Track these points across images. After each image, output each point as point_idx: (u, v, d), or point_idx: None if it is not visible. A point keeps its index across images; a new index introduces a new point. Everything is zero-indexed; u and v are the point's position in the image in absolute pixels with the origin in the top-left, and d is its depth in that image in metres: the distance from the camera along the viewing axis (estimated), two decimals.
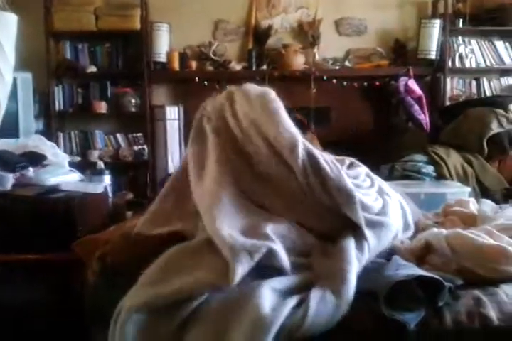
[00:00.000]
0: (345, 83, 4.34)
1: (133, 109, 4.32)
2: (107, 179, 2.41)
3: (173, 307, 1.10)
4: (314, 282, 1.18)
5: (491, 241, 1.40)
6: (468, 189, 3.01)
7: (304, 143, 1.36)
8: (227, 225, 1.23)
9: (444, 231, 1.48)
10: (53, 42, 4.30)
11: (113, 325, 1.13)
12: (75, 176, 2.29)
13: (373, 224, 1.38)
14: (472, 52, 4.42)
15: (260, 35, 4.38)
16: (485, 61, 4.42)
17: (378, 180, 1.64)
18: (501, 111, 3.61)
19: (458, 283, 1.29)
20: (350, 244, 1.30)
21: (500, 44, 4.44)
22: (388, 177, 3.33)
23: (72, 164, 3.87)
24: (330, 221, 1.38)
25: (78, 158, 4.28)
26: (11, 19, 1.90)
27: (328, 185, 1.33)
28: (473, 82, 4.49)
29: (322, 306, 1.11)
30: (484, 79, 4.48)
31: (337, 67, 4.35)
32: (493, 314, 1.18)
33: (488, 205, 1.84)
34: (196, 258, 1.21)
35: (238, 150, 1.39)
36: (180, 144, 4.31)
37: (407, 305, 1.18)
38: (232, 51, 4.47)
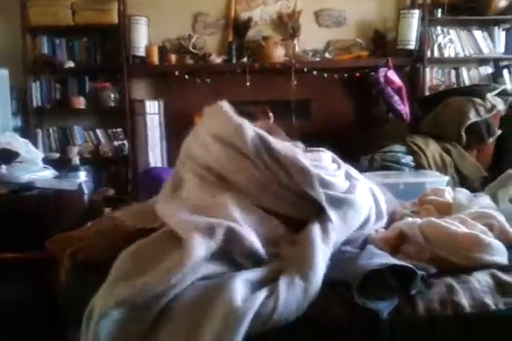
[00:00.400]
0: (325, 75, 4.33)
1: (112, 104, 4.27)
2: (82, 175, 2.39)
3: (146, 304, 1.09)
4: (283, 270, 1.19)
5: (464, 230, 1.42)
6: (447, 178, 3.04)
7: (253, 129, 1.42)
8: (182, 211, 1.28)
9: (418, 220, 1.49)
10: (30, 37, 4.23)
11: (85, 321, 1.12)
12: (49, 173, 2.26)
13: (338, 202, 1.39)
14: (451, 41, 4.44)
15: (240, 28, 4.35)
16: (464, 51, 4.44)
17: (346, 166, 1.65)
18: (479, 101, 3.63)
19: (431, 271, 1.30)
20: (315, 228, 1.32)
21: (478, 33, 4.46)
22: (368, 168, 3.36)
23: (51, 161, 3.87)
24: (295, 205, 1.40)
25: (57, 155, 4.24)
26: None
27: (282, 163, 1.38)
28: (453, 72, 4.51)
29: (291, 292, 1.12)
30: (463, 68, 4.50)
31: (317, 59, 4.34)
32: (465, 301, 1.20)
33: (463, 194, 1.86)
34: (158, 249, 1.22)
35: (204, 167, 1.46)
36: (161, 139, 4.29)
37: (380, 293, 1.19)
38: (212, 44, 4.43)
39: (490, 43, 4.46)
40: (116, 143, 4.33)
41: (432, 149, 3.50)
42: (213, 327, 1.05)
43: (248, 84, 4.21)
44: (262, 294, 1.10)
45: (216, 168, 1.43)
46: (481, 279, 1.27)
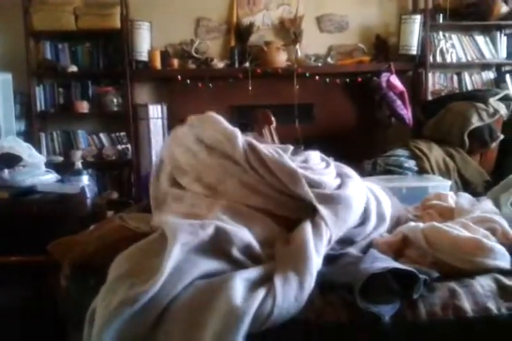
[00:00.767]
0: (327, 79, 4.35)
1: (115, 109, 4.29)
2: (85, 179, 2.39)
3: (145, 306, 1.09)
4: (277, 268, 1.20)
5: (467, 234, 1.41)
6: (450, 182, 3.03)
7: (243, 137, 1.48)
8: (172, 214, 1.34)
9: (420, 224, 1.49)
10: (33, 42, 4.26)
11: (87, 326, 1.12)
12: (52, 177, 2.27)
13: (328, 199, 1.41)
14: (453, 47, 4.44)
15: (242, 33, 4.37)
16: (466, 56, 4.45)
17: (337, 165, 1.67)
18: (482, 105, 3.63)
19: (434, 275, 1.29)
20: (307, 226, 1.34)
21: (480, 38, 4.47)
22: (371, 172, 3.36)
23: (54, 164, 3.88)
24: (287, 205, 1.43)
25: (61, 159, 4.26)
26: None
27: (271, 168, 1.43)
28: (455, 77, 4.52)
29: (287, 286, 1.13)
30: (465, 73, 4.50)
31: (319, 64, 4.35)
32: (467, 305, 1.19)
33: (465, 198, 1.86)
34: (153, 250, 1.23)
35: (189, 175, 1.51)
36: None
37: (383, 297, 1.18)
38: (215, 49, 4.45)
39: (492, 48, 4.46)
40: (119, 147, 4.35)
41: (435, 154, 3.50)
42: (214, 326, 1.05)
43: (250, 88, 4.22)
44: (261, 293, 1.11)
45: (206, 176, 1.47)
46: (483, 283, 1.27)
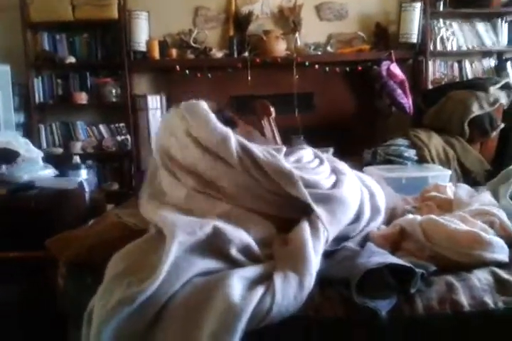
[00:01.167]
0: (327, 68, 4.31)
1: (114, 99, 4.27)
2: (83, 174, 2.38)
3: (143, 304, 1.09)
4: (276, 268, 1.20)
5: (465, 227, 1.41)
6: (450, 172, 3.03)
7: (235, 138, 1.43)
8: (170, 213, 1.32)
9: (418, 217, 1.49)
10: (30, 33, 4.22)
11: (86, 324, 1.12)
12: (50, 172, 2.26)
13: (324, 199, 1.41)
14: (453, 34, 4.40)
15: (241, 22, 4.33)
16: (466, 43, 4.41)
17: (330, 160, 1.66)
18: (482, 94, 3.61)
19: (431, 269, 1.29)
20: (304, 226, 1.33)
21: (481, 26, 4.42)
22: (371, 162, 3.35)
23: (54, 156, 3.88)
24: (283, 206, 1.42)
25: (61, 150, 4.25)
26: None
27: (265, 170, 1.40)
28: (455, 65, 4.48)
29: (287, 285, 1.13)
30: (466, 61, 4.46)
31: (319, 53, 4.32)
32: (464, 300, 1.19)
33: (464, 189, 1.85)
34: (150, 248, 1.23)
35: (182, 167, 1.47)
36: None
37: (379, 292, 1.18)
38: (213, 38, 4.41)
39: (493, 36, 4.42)
40: (119, 138, 4.33)
41: (435, 143, 3.48)
42: (211, 324, 1.05)
43: (249, 78, 4.20)
44: (260, 290, 1.11)
45: (200, 172, 1.44)
46: (481, 277, 1.27)
